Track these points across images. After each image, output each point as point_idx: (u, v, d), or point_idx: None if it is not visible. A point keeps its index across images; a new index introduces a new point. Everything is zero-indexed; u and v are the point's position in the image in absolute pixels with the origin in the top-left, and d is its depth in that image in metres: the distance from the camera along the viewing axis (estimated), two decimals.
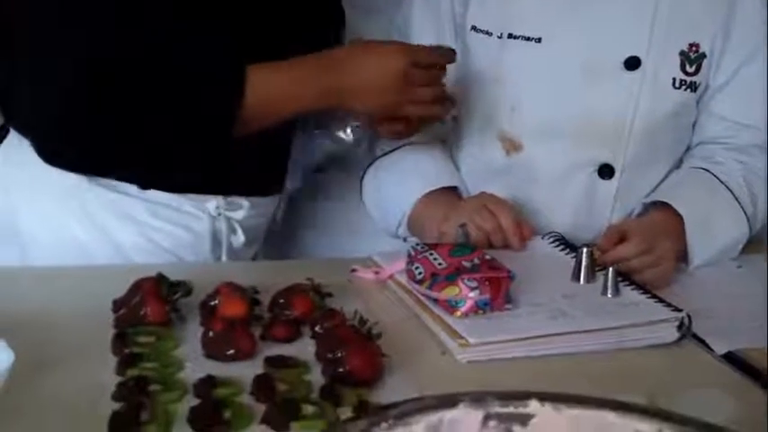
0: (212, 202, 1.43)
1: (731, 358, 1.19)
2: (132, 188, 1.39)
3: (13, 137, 1.42)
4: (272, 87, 1.32)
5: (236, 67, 1.30)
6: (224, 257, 1.46)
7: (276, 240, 1.67)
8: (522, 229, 1.43)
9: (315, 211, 1.78)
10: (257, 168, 1.48)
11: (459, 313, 1.18)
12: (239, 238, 1.47)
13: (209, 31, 1.33)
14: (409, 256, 1.30)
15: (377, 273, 1.34)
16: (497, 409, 0.69)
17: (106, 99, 1.27)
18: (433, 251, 1.28)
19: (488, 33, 1.54)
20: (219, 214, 1.44)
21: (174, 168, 1.37)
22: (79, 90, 1.26)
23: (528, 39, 1.51)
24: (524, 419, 0.69)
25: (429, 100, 1.39)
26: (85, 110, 1.27)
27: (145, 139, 1.31)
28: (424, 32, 1.59)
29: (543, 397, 0.70)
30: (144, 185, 1.39)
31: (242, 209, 1.46)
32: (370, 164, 1.63)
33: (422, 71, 1.36)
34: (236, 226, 1.47)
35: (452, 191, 1.56)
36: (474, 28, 1.56)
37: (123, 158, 1.35)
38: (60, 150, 1.36)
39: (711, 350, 1.21)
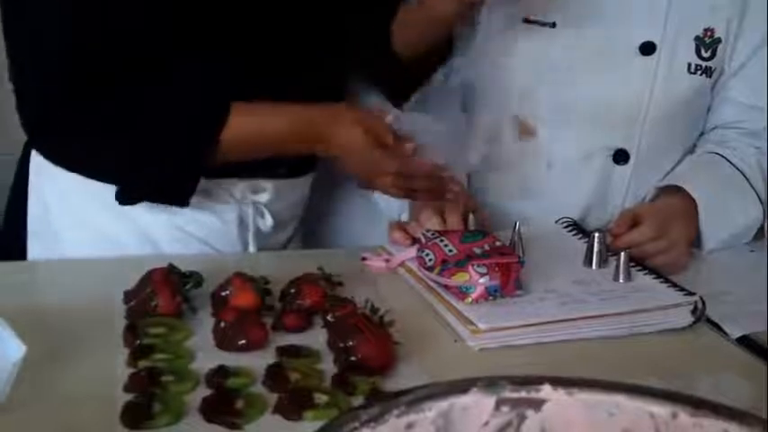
0: (238, 186, 1.43)
1: (746, 342, 1.18)
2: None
3: None
4: (250, 129, 1.32)
5: (220, 102, 1.31)
6: (251, 242, 1.45)
7: (311, 227, 1.66)
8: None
9: (345, 197, 1.76)
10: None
11: (469, 299, 1.18)
12: (267, 221, 1.46)
13: (208, 58, 1.33)
14: (420, 242, 1.30)
15: (387, 260, 1.34)
16: (509, 394, 0.68)
17: (89, 96, 1.28)
18: (443, 237, 1.28)
19: None
20: (245, 198, 1.44)
21: (141, 180, 1.36)
22: (62, 84, 1.27)
23: (543, 24, 1.50)
24: (537, 404, 0.69)
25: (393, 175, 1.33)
26: (66, 105, 1.28)
27: (120, 145, 1.32)
28: None
29: (556, 381, 0.69)
30: None
31: (266, 192, 1.45)
32: None
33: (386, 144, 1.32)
34: (264, 210, 1.46)
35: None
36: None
37: (97, 160, 1.36)
38: (45, 145, 1.37)
39: (726, 334, 1.20)
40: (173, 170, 1.32)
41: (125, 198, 1.34)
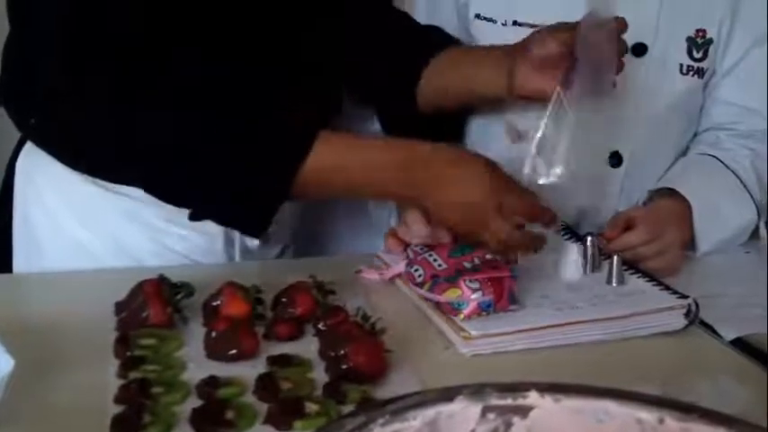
0: None
1: (740, 344, 1.18)
2: (139, 192, 1.38)
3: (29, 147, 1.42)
4: (341, 164, 1.21)
5: (307, 128, 1.21)
6: (237, 258, 1.45)
7: (304, 239, 1.65)
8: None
9: (338, 208, 1.76)
10: None
11: (461, 315, 1.16)
12: (254, 239, 1.45)
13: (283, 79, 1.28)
14: (408, 257, 1.28)
15: (381, 274, 1.33)
16: (496, 401, 0.68)
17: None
18: (432, 252, 1.26)
19: (493, 21, 1.53)
20: None
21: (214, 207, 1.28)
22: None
23: (533, 26, 1.49)
24: (524, 411, 0.68)
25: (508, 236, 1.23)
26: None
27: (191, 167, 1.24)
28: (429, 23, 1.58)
29: (542, 388, 0.69)
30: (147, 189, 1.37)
31: None
32: None
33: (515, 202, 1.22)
34: None
35: None
36: (478, 16, 1.55)
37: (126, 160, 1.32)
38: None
39: (720, 336, 1.20)
40: (250, 202, 1.24)
41: (195, 217, 1.30)
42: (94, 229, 1.37)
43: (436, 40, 1.50)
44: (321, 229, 1.73)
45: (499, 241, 1.22)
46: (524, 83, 1.35)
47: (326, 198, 1.29)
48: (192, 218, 1.30)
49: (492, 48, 1.44)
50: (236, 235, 1.42)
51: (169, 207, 1.32)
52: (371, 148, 1.26)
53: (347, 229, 1.69)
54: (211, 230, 1.40)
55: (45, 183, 1.38)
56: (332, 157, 1.21)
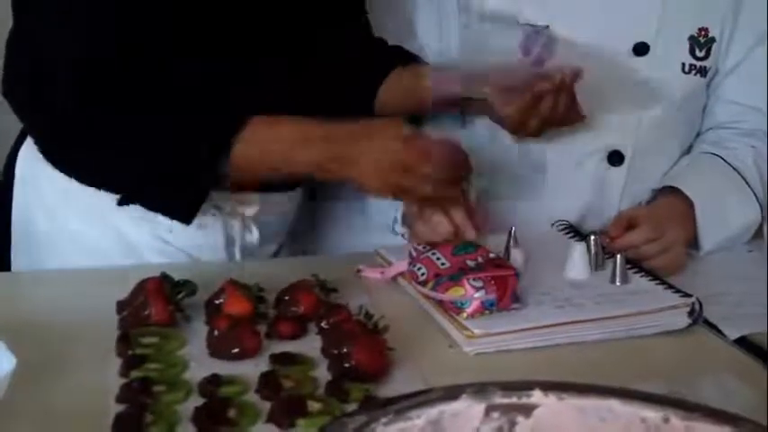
0: (225, 198, 1.42)
1: (744, 343, 1.18)
2: None
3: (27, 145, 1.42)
4: (267, 142, 1.28)
5: (236, 113, 1.28)
6: (238, 256, 1.45)
7: (299, 238, 1.65)
8: (475, 219, 1.35)
9: (337, 208, 1.76)
10: None
11: (464, 314, 1.16)
12: (254, 235, 1.45)
13: (223, 66, 1.31)
14: (411, 256, 1.28)
15: (382, 273, 1.32)
16: (500, 400, 0.68)
17: (102, 107, 1.26)
18: (435, 251, 1.26)
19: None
20: (232, 211, 1.43)
21: (147, 194, 1.34)
22: (74, 88, 1.26)
23: (535, 26, 1.49)
24: (528, 410, 0.68)
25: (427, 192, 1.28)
26: (78, 108, 1.27)
27: (131, 160, 1.30)
28: (429, 26, 1.57)
29: (546, 386, 0.68)
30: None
31: (253, 204, 1.44)
32: None
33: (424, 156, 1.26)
34: (251, 223, 1.45)
35: None
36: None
37: (111, 173, 1.34)
38: (58, 157, 1.36)
39: (723, 335, 1.19)
40: (180, 184, 1.30)
41: (124, 201, 1.33)
42: (95, 225, 1.38)
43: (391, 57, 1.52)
44: (319, 226, 1.73)
45: (422, 198, 1.29)
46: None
47: (257, 176, 1.34)
48: (121, 202, 1.32)
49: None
50: (237, 233, 1.43)
51: None
52: (296, 125, 1.30)
53: (345, 227, 1.69)
54: (210, 226, 1.40)
55: (45, 180, 1.38)
56: (259, 139, 1.28)
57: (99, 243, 1.38)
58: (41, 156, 1.38)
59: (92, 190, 1.35)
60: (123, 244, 1.39)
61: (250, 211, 1.43)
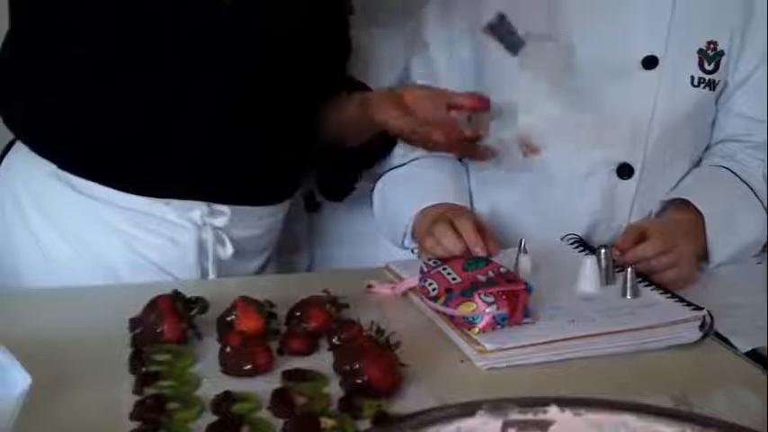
0: (196, 211, 1.42)
1: (755, 356, 1.17)
2: (115, 196, 1.39)
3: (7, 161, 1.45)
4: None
5: None
6: (210, 269, 1.43)
7: (293, 252, 1.66)
8: (484, 237, 1.38)
9: (337, 221, 1.77)
10: (244, 177, 1.46)
11: (476, 329, 1.16)
12: (227, 249, 1.44)
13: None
14: (422, 271, 1.28)
15: (393, 288, 1.33)
16: (516, 416, 0.68)
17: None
18: (446, 266, 1.26)
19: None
20: (204, 223, 1.43)
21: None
22: None
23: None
24: (544, 426, 0.68)
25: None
26: None
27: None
28: (438, 40, 1.58)
29: (563, 402, 0.68)
30: (122, 187, 1.39)
31: (224, 216, 1.43)
32: (379, 177, 1.62)
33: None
34: (224, 237, 1.45)
35: (455, 204, 1.52)
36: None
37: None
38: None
39: (735, 348, 1.19)
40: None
41: None
42: (70, 240, 1.40)
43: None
44: (320, 238, 1.74)
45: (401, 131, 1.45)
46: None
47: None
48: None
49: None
50: (209, 246, 1.43)
51: (140, 209, 1.39)
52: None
53: (348, 238, 1.70)
54: (183, 239, 1.40)
55: (23, 191, 1.41)
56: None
57: (69, 256, 1.40)
58: (20, 173, 1.42)
59: (68, 207, 1.39)
60: (94, 257, 1.40)
61: (220, 221, 1.43)
